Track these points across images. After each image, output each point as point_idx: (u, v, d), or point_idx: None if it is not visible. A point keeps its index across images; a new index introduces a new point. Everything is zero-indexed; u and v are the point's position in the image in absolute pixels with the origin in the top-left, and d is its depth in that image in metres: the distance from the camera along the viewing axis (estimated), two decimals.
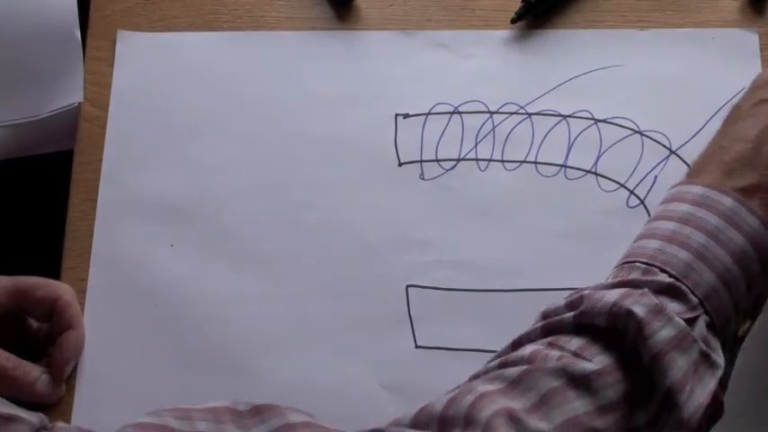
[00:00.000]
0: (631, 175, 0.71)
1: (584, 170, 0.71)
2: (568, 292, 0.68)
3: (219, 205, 0.72)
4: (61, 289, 0.67)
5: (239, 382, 0.66)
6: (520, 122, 0.73)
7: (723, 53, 0.74)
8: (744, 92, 0.61)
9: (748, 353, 0.66)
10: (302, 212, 0.71)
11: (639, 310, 0.50)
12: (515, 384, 0.51)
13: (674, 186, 0.58)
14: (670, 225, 0.55)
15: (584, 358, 0.51)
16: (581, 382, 0.50)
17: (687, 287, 0.53)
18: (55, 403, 0.66)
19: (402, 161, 0.72)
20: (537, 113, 0.73)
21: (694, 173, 0.58)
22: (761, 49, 0.74)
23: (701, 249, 0.53)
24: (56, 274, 0.69)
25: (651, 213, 0.59)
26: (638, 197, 0.70)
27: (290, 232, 0.70)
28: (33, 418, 0.47)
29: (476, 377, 0.54)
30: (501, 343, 0.66)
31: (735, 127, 0.59)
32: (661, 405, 0.50)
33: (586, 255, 0.69)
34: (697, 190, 0.56)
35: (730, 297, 0.53)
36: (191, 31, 0.77)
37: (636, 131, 0.72)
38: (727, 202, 0.55)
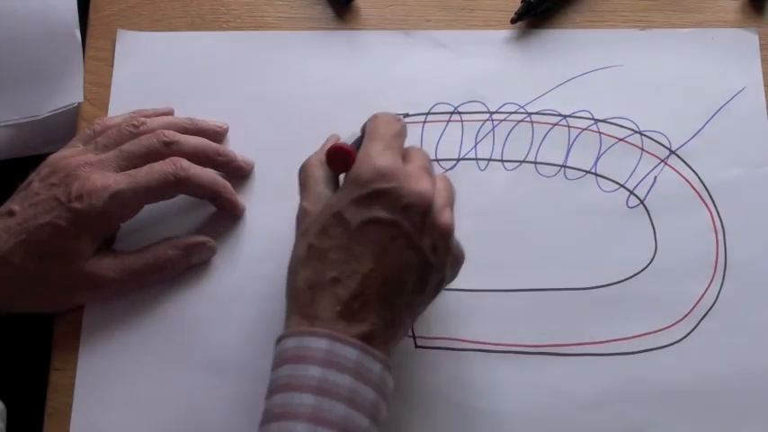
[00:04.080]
0: (631, 175, 0.71)
1: (583, 170, 0.71)
2: (568, 292, 0.68)
3: None
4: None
5: (239, 382, 0.66)
6: (519, 122, 0.73)
7: (723, 53, 0.74)
8: (346, 194, 0.58)
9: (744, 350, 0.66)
10: (302, 212, 0.71)
11: None
12: None
13: (292, 334, 0.57)
14: (309, 399, 0.54)
15: None
16: None
17: None
18: (54, 402, 0.66)
19: None
20: (537, 113, 0.73)
21: (309, 311, 0.57)
22: (761, 49, 0.75)
23: (344, 424, 0.53)
24: None
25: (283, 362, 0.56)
26: (638, 197, 0.70)
27: (290, 232, 0.70)
28: None
29: None
30: (500, 342, 0.66)
31: (347, 254, 0.57)
32: None
33: (586, 255, 0.69)
34: (323, 345, 0.55)
35: None
36: (191, 32, 0.77)
37: (636, 131, 0.72)
38: (353, 354, 0.55)
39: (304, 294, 0.57)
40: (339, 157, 0.60)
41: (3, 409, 0.59)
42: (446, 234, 0.59)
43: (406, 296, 0.58)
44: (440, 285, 0.61)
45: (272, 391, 0.55)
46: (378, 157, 0.59)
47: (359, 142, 0.62)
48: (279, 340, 0.57)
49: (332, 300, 0.56)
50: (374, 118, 0.63)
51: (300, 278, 0.58)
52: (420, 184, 0.58)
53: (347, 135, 0.64)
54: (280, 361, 0.56)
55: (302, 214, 0.61)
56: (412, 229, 0.57)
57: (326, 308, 0.56)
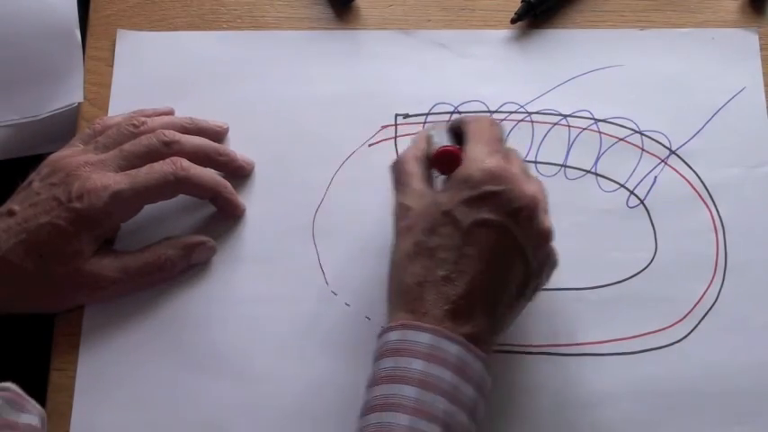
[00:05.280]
0: (631, 175, 0.71)
1: (583, 170, 0.71)
2: (568, 292, 0.68)
3: None
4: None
5: (239, 383, 0.66)
6: (520, 122, 0.73)
7: (723, 53, 0.74)
8: (457, 196, 0.59)
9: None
10: (301, 212, 0.71)
11: None
12: None
13: (396, 327, 0.57)
14: (411, 392, 0.54)
15: None
16: None
17: None
18: (54, 403, 0.66)
19: None
20: (537, 113, 0.73)
21: (417, 307, 0.57)
22: (761, 49, 0.75)
23: (446, 418, 0.54)
24: None
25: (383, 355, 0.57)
26: (638, 197, 0.70)
27: (290, 232, 0.70)
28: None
29: None
30: (500, 342, 0.66)
31: (458, 254, 0.58)
32: None
33: (586, 255, 0.69)
34: (426, 339, 0.56)
35: None
36: (191, 31, 0.77)
37: (636, 131, 0.72)
38: (455, 350, 0.56)
39: (412, 290, 0.58)
40: (447, 159, 0.61)
41: (43, 416, 0.59)
42: (548, 239, 0.60)
43: (509, 299, 0.59)
44: (536, 289, 0.62)
45: (374, 382, 0.56)
46: (487, 158, 0.59)
47: (453, 140, 0.63)
48: (382, 333, 0.58)
49: (441, 298, 0.57)
50: (476, 120, 0.63)
51: (409, 273, 0.58)
52: (529, 187, 0.59)
53: (436, 132, 0.64)
54: (383, 353, 0.57)
55: (401, 210, 0.61)
56: (519, 233, 0.58)
57: (435, 305, 0.57)
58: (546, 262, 0.61)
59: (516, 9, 0.75)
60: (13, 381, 0.70)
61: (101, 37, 0.77)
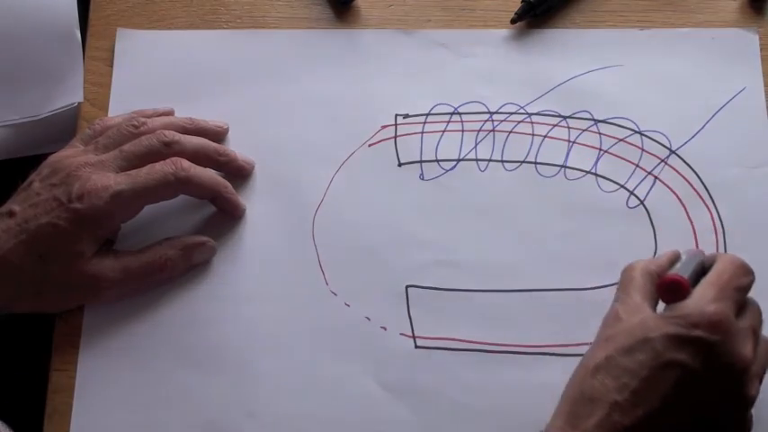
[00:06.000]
0: (631, 175, 0.71)
1: (583, 170, 0.71)
2: (568, 293, 0.68)
3: None
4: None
5: (239, 383, 0.66)
6: (519, 123, 0.73)
7: (723, 53, 0.74)
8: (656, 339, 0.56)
9: None
10: (301, 212, 0.71)
11: None
12: None
13: None
14: None
15: None
16: None
17: None
18: (54, 403, 0.66)
19: (402, 161, 0.72)
20: (537, 113, 0.73)
21: (579, 423, 0.55)
22: (761, 49, 0.75)
23: None
24: None
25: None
26: (638, 198, 0.70)
27: (290, 232, 0.70)
28: None
29: None
30: (501, 342, 0.66)
31: (640, 385, 0.55)
32: None
33: (586, 255, 0.69)
34: None
35: None
36: (191, 31, 0.77)
37: (636, 131, 0.72)
38: None
39: (582, 403, 0.56)
40: (672, 290, 0.57)
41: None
42: (747, 407, 0.57)
43: None
44: None
45: None
46: (713, 303, 0.55)
47: (698, 271, 0.59)
48: None
49: (605, 422, 0.54)
50: (727, 261, 0.59)
51: (587, 384, 0.56)
52: (744, 348, 0.55)
53: (688, 255, 0.61)
54: None
55: (613, 316, 0.58)
56: (715, 390, 0.55)
57: (596, 427, 0.54)
58: (736, 427, 0.57)
59: (516, 9, 0.75)
60: (13, 381, 0.70)
61: (101, 37, 0.77)
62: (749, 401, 0.56)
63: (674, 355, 0.54)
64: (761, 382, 0.57)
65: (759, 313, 0.59)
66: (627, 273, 0.60)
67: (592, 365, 0.57)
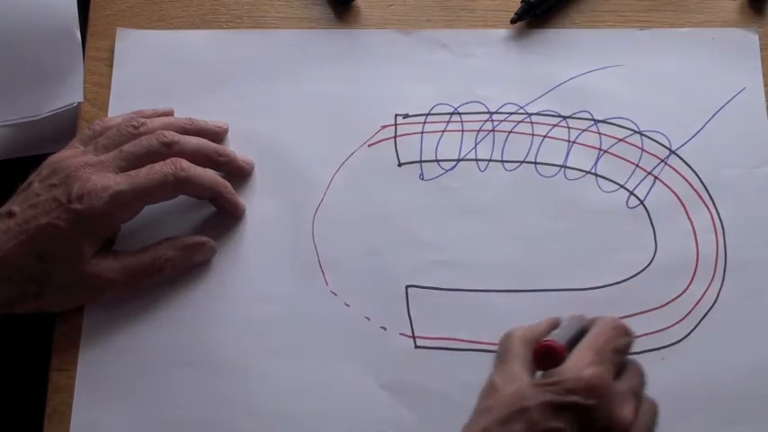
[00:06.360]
0: (631, 175, 0.71)
1: (583, 171, 0.71)
2: (568, 293, 0.68)
3: None
4: None
5: (239, 382, 0.66)
6: (519, 123, 0.73)
7: (723, 53, 0.74)
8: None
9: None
10: (301, 212, 0.71)
11: None
12: None
13: None
14: None
15: None
16: None
17: None
18: (54, 403, 0.66)
19: (402, 161, 0.72)
20: (537, 113, 0.73)
21: None
22: (761, 49, 0.75)
23: None
24: None
25: None
26: (638, 198, 0.70)
27: (290, 232, 0.70)
28: None
29: None
30: None
31: None
32: None
33: (586, 255, 0.69)
34: None
35: None
36: (191, 31, 0.77)
37: (636, 131, 0.72)
38: None
39: None
40: (547, 356, 0.55)
41: None
42: None
43: None
44: None
45: None
46: (587, 367, 0.54)
47: (576, 336, 0.57)
48: None
49: None
50: (603, 323, 0.57)
51: None
52: (622, 410, 0.53)
53: (567, 320, 0.60)
54: None
55: (489, 388, 0.56)
56: None
57: None
58: None
59: (516, 9, 0.75)
60: (13, 381, 0.70)
61: (101, 37, 0.77)
62: None
63: (551, 423, 0.52)
64: None
65: (640, 374, 0.57)
66: (505, 342, 0.58)
67: None
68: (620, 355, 0.56)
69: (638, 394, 0.55)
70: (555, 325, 0.59)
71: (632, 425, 0.53)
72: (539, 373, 0.56)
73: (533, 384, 0.54)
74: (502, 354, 0.57)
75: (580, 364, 0.54)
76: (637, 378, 0.56)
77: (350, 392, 0.65)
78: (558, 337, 0.56)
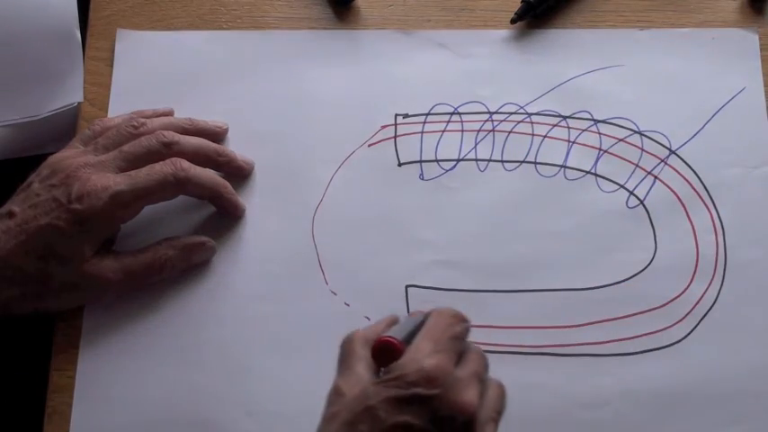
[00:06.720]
0: (631, 175, 0.71)
1: (583, 171, 0.71)
2: (568, 293, 0.68)
3: None
4: None
5: (239, 382, 0.66)
6: (519, 123, 0.73)
7: (723, 53, 0.74)
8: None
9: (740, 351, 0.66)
10: (301, 212, 0.71)
11: None
12: None
13: None
14: None
15: None
16: None
17: None
18: (54, 403, 0.66)
19: (401, 161, 0.72)
20: (537, 113, 0.73)
21: None
22: (761, 49, 0.75)
23: None
24: None
25: None
26: (638, 198, 0.70)
27: (290, 232, 0.70)
28: None
29: None
30: (500, 343, 0.66)
31: None
32: None
33: (586, 255, 0.69)
34: None
35: None
36: (191, 31, 0.77)
37: (636, 131, 0.72)
38: None
39: None
40: (385, 351, 0.55)
41: None
42: None
43: None
44: None
45: None
46: (427, 357, 0.54)
47: (414, 331, 0.57)
48: None
49: None
50: (438, 313, 0.58)
51: None
52: (465, 395, 0.53)
53: (405, 318, 0.60)
54: None
55: (335, 394, 0.56)
56: None
57: None
58: None
59: (516, 9, 0.75)
60: (13, 381, 0.70)
61: (101, 37, 0.77)
62: None
63: (397, 418, 0.52)
64: (497, 424, 0.55)
65: (481, 358, 0.57)
66: (345, 345, 0.57)
67: None
68: (458, 341, 0.56)
69: (481, 378, 0.55)
70: (394, 322, 0.59)
71: (478, 408, 0.53)
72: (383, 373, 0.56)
73: (376, 383, 0.54)
74: (344, 357, 0.57)
75: (419, 356, 0.54)
76: (478, 362, 0.56)
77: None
78: (396, 332, 0.56)
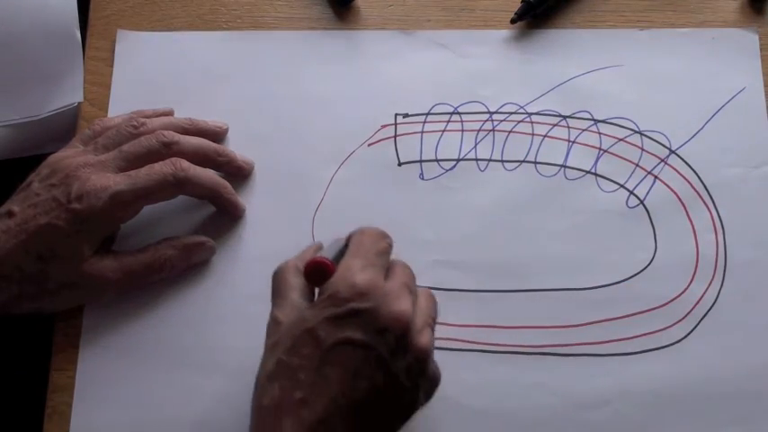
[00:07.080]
0: (631, 175, 0.71)
1: (583, 170, 0.72)
2: (568, 293, 0.68)
3: None
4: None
5: (239, 382, 0.66)
6: (519, 122, 0.73)
7: (723, 53, 0.74)
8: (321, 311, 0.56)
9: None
10: (301, 212, 0.71)
11: None
12: None
13: None
14: None
15: None
16: None
17: None
18: (54, 403, 0.66)
19: (402, 161, 0.72)
20: (537, 113, 0.73)
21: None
22: (761, 49, 0.75)
23: None
24: None
25: None
26: (638, 197, 0.70)
27: (290, 232, 0.70)
28: None
29: None
30: (501, 343, 0.66)
31: (316, 375, 0.55)
32: None
33: (586, 255, 0.69)
34: None
35: None
36: (191, 31, 0.77)
37: (636, 131, 0.72)
38: None
39: (269, 414, 0.55)
40: (317, 271, 0.58)
41: None
42: (423, 357, 0.56)
43: (376, 421, 0.56)
44: (412, 409, 0.58)
45: None
46: (357, 273, 0.56)
47: (341, 254, 0.60)
48: None
49: (297, 423, 0.54)
50: (360, 232, 0.61)
51: (267, 396, 0.55)
52: (399, 305, 0.56)
53: (330, 243, 0.62)
54: None
55: (273, 324, 0.58)
56: (386, 353, 0.55)
57: (292, 431, 0.54)
58: (421, 380, 0.57)
59: (516, 9, 0.75)
60: (13, 381, 0.70)
61: (101, 37, 0.77)
62: (424, 353, 0.56)
63: (338, 335, 0.55)
64: (432, 329, 0.58)
65: (407, 269, 0.60)
66: (277, 276, 0.60)
67: (265, 377, 0.56)
68: (384, 256, 0.59)
69: (411, 288, 0.58)
70: (320, 249, 0.62)
71: (412, 316, 0.56)
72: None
73: (311, 306, 0.56)
74: (277, 288, 0.59)
75: (349, 273, 0.57)
76: (406, 273, 0.59)
77: None
78: (325, 254, 0.59)
